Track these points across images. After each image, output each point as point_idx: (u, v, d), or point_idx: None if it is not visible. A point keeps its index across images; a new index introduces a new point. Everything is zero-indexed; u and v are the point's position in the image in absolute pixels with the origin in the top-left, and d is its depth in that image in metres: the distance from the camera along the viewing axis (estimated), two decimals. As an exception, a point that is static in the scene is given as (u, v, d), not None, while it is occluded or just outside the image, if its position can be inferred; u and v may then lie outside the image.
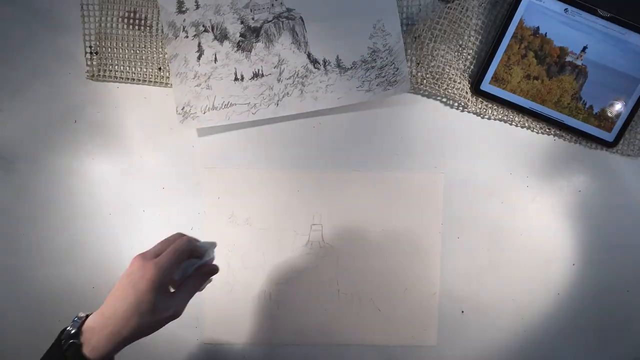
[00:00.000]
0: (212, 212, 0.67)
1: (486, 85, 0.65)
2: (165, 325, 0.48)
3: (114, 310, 0.46)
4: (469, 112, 0.67)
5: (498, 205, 0.68)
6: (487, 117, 0.67)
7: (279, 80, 0.64)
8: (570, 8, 0.61)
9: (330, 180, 0.67)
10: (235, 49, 0.64)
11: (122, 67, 0.65)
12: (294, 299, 0.68)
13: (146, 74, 0.65)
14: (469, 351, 0.70)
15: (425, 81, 0.65)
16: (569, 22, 0.63)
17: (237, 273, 0.68)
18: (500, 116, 0.67)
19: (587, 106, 0.65)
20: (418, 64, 0.65)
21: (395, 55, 0.64)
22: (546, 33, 0.64)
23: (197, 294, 0.50)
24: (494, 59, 0.65)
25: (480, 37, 0.66)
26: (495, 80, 0.65)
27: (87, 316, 0.48)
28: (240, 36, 0.64)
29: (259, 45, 0.64)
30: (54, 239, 0.67)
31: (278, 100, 0.64)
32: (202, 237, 0.67)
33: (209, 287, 0.55)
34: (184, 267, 0.51)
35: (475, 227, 0.68)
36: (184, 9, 0.63)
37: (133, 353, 0.68)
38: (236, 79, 0.64)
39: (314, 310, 0.68)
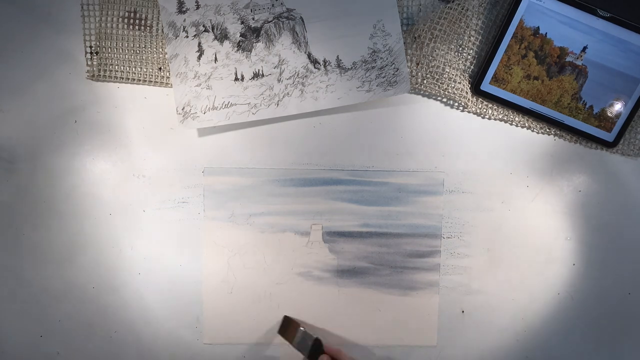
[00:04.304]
0: (212, 212, 0.67)
1: (486, 85, 0.65)
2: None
3: None
4: (469, 112, 0.67)
5: (498, 205, 0.68)
6: (487, 117, 0.67)
7: (279, 81, 0.64)
8: None
9: (330, 180, 0.67)
10: (236, 49, 0.64)
11: (122, 67, 0.65)
12: (294, 299, 0.68)
13: (146, 74, 0.65)
14: (469, 351, 0.70)
15: (425, 81, 0.65)
16: (569, 22, 0.63)
17: (237, 273, 0.68)
18: (500, 116, 0.67)
19: (587, 106, 0.65)
20: (418, 64, 0.65)
21: (396, 55, 0.64)
22: (546, 33, 0.64)
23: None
24: (494, 59, 0.65)
25: (480, 37, 0.66)
26: (496, 80, 0.65)
27: None
28: (240, 36, 0.64)
29: (259, 45, 0.64)
30: (54, 239, 0.67)
31: (278, 101, 0.64)
32: (202, 237, 0.68)
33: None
34: None
35: (475, 227, 0.68)
36: (184, 9, 0.63)
37: (133, 353, 0.69)
38: (236, 79, 0.64)
39: (314, 310, 0.68)
